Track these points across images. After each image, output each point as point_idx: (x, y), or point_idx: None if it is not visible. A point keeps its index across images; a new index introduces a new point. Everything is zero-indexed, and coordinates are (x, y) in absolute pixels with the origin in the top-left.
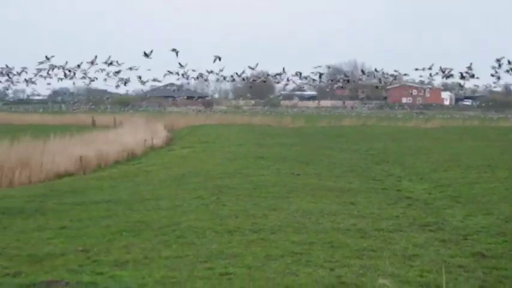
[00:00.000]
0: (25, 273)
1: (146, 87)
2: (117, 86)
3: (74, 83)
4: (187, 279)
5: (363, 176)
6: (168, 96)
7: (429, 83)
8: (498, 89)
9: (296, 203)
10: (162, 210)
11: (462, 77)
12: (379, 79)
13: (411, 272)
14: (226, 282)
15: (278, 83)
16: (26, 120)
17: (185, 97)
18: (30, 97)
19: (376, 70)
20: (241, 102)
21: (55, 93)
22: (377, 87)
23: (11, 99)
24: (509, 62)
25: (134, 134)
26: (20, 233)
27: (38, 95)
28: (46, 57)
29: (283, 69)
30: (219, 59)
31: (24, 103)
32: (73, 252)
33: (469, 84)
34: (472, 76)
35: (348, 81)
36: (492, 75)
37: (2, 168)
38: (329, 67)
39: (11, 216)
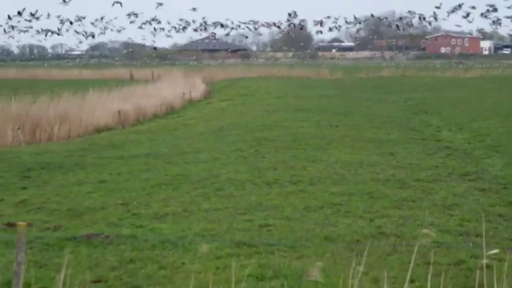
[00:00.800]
0: (65, 227)
1: (183, 41)
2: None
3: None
4: (226, 231)
5: (402, 126)
6: (206, 50)
7: (469, 33)
8: None
9: (335, 155)
10: (201, 163)
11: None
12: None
13: (451, 221)
14: (266, 233)
15: (318, 32)
16: (65, 75)
17: (224, 50)
18: (68, 52)
19: (412, 13)
20: (280, 54)
21: (93, 48)
22: (415, 36)
23: (50, 55)
24: None
25: (172, 87)
26: (59, 188)
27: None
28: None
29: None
30: None
31: (62, 58)
32: (113, 205)
33: (506, 30)
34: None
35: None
36: None
37: (41, 124)
38: (366, 19)
39: (51, 171)
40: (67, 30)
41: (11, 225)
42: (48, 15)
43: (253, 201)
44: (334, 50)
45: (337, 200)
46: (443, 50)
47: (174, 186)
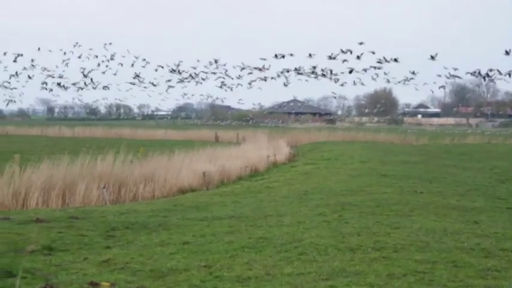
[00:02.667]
0: None
1: (268, 103)
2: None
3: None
4: None
5: (487, 194)
6: (291, 113)
7: None
8: None
9: (419, 222)
10: (284, 226)
11: None
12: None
13: None
14: None
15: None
16: (150, 135)
17: (309, 113)
18: (155, 112)
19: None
20: (364, 118)
21: (179, 108)
22: (502, 103)
23: (136, 114)
24: None
25: (257, 149)
26: (143, 248)
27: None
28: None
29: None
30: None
31: (149, 118)
32: (196, 267)
33: None
34: None
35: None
36: None
37: (126, 183)
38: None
39: (135, 230)
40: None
41: (95, 284)
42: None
43: (336, 266)
44: (419, 116)
45: (421, 268)
46: None
47: (257, 250)
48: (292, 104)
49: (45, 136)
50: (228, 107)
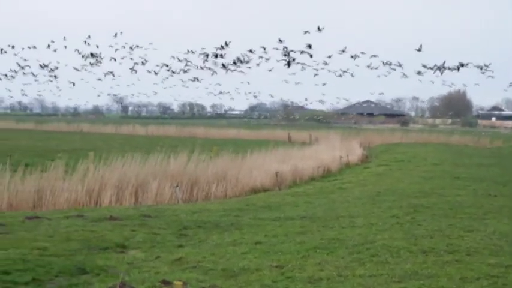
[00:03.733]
0: None
1: (341, 104)
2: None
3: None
4: None
5: None
6: (364, 113)
7: None
8: None
9: (493, 225)
10: (357, 227)
11: None
12: None
13: None
14: None
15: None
16: (223, 134)
17: (382, 115)
18: (228, 111)
19: None
20: (438, 120)
21: (252, 108)
22: None
23: (209, 113)
24: None
25: (330, 150)
26: (215, 247)
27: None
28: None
29: None
30: None
31: (222, 117)
32: (267, 267)
33: None
34: None
35: None
36: None
37: (199, 182)
38: None
39: (207, 229)
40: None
41: (167, 283)
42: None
43: (408, 269)
44: (494, 118)
45: (494, 272)
46: None
47: (329, 250)
48: (365, 104)
49: (119, 134)
50: (301, 107)
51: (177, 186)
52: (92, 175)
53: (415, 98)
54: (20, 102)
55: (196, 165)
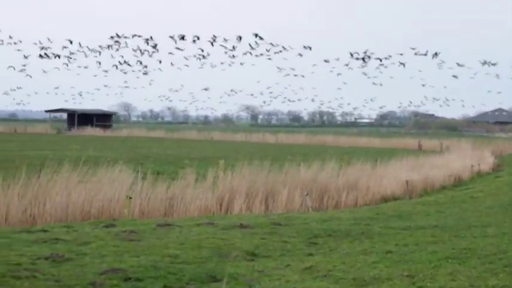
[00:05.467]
0: None
1: (473, 112)
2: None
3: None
4: None
5: None
6: (496, 122)
7: None
8: None
9: None
10: (489, 237)
11: None
12: None
13: None
14: None
15: None
16: (353, 142)
17: None
18: (358, 120)
19: None
20: None
21: (382, 116)
22: None
23: (338, 121)
24: None
25: (461, 159)
26: (345, 256)
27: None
28: None
29: None
30: None
31: (352, 125)
32: (398, 277)
33: None
34: None
35: None
36: None
37: (329, 191)
38: None
39: (337, 238)
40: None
41: None
42: None
43: None
44: None
45: None
46: None
47: (460, 260)
48: (497, 113)
49: (249, 142)
50: (432, 115)
51: (307, 194)
52: (222, 183)
53: None
54: (151, 111)
55: (326, 173)
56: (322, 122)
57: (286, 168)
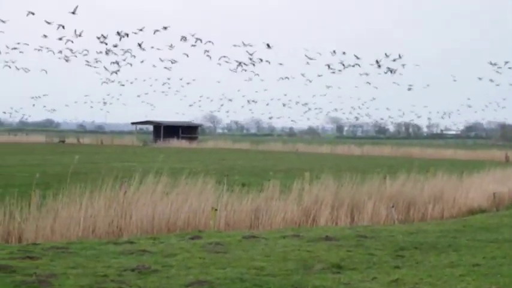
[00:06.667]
0: None
1: None
2: None
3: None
4: None
5: None
6: None
7: None
8: None
9: None
10: None
11: None
12: None
13: None
14: None
15: None
16: (439, 154)
17: None
18: (444, 131)
19: None
20: None
21: (468, 128)
22: None
23: (424, 133)
24: None
25: None
26: (432, 269)
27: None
28: None
29: None
30: None
31: (437, 137)
32: None
33: None
34: None
35: None
36: None
37: (415, 203)
38: None
39: (424, 251)
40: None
41: None
42: None
43: None
44: None
45: None
46: None
47: None
48: None
49: (334, 154)
50: None
51: (392, 206)
52: (308, 195)
53: None
54: (236, 122)
55: (412, 185)
56: (408, 134)
57: (371, 180)
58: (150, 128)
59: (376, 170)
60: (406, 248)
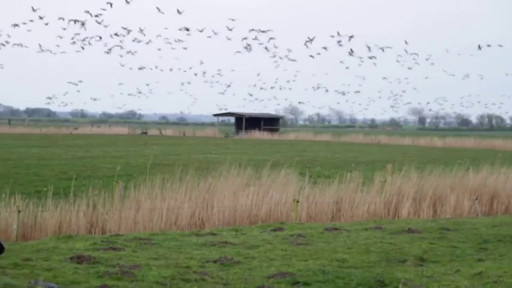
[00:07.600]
0: None
1: None
2: None
3: None
4: None
5: None
6: None
7: None
8: None
9: None
10: None
11: None
12: None
13: None
14: None
15: None
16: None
17: None
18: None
19: None
20: None
21: None
22: None
23: (508, 125)
24: None
25: None
26: None
27: None
28: None
29: None
30: None
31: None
32: None
33: None
34: None
35: None
36: None
37: (499, 195)
38: None
39: (508, 244)
40: None
41: None
42: None
43: None
44: None
45: None
46: None
47: None
48: None
49: (416, 146)
50: None
51: (476, 198)
52: (390, 187)
53: None
54: (318, 114)
55: (496, 177)
56: (491, 126)
57: (454, 172)
58: (232, 119)
59: (458, 162)
60: (490, 240)
